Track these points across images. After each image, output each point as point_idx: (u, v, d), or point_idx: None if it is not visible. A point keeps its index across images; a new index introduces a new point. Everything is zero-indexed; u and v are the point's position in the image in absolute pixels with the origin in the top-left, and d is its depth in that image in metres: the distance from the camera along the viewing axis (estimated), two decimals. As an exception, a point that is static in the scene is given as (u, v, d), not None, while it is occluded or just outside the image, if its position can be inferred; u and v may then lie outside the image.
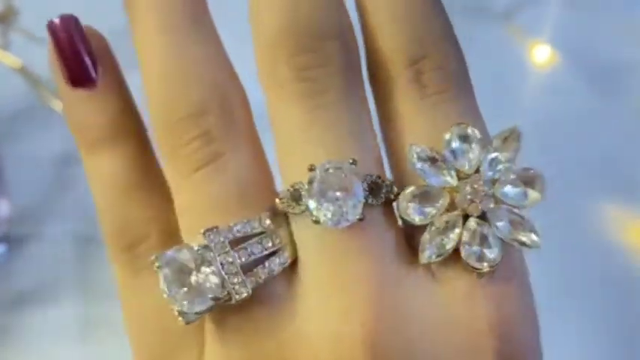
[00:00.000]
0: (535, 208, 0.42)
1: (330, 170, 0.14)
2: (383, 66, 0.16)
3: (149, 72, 0.16)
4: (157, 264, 0.15)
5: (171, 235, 0.17)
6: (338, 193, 0.14)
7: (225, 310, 0.15)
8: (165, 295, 0.15)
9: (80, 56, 0.18)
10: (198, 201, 0.16)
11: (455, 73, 0.17)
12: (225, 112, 0.16)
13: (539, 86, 0.59)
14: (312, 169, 0.15)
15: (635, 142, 0.55)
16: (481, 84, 0.56)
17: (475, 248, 0.15)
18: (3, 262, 0.34)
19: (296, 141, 0.15)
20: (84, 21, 0.20)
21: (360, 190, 0.15)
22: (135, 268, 0.18)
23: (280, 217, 0.16)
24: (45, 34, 0.45)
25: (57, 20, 0.18)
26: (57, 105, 0.41)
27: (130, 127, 0.18)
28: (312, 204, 0.14)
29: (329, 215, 0.14)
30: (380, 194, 0.15)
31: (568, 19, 0.65)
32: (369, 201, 0.15)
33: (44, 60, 0.43)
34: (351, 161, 0.15)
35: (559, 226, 0.45)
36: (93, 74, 0.18)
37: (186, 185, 0.16)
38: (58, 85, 0.18)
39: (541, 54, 0.60)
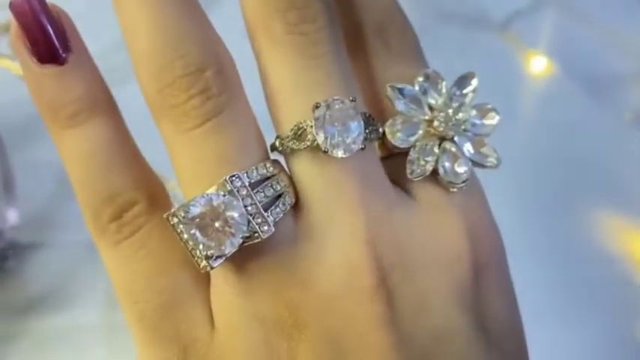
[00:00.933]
0: (528, 213, 0.42)
1: (336, 106, 0.16)
2: (358, 32, 0.19)
3: (138, 35, 0.17)
4: (175, 220, 0.15)
5: (157, 199, 0.18)
6: (344, 125, 0.16)
7: (240, 255, 0.16)
8: (191, 243, 0.15)
9: (48, 32, 0.18)
10: (205, 154, 0.16)
11: (415, 38, 0.20)
12: (222, 70, 0.17)
13: (535, 95, 0.59)
14: (317, 106, 0.16)
15: (630, 151, 0.55)
16: (479, 91, 0.57)
17: (449, 165, 0.17)
18: (12, 270, 0.33)
19: (297, 85, 0.17)
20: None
21: (361, 123, 0.16)
22: (121, 238, 0.18)
23: (277, 163, 0.17)
24: None
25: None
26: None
27: (104, 99, 0.19)
28: (320, 136, 0.16)
29: (336, 145, 0.16)
30: (372, 129, 0.17)
31: (564, 30, 0.66)
32: (367, 133, 0.17)
33: None
34: (351, 98, 0.16)
35: (552, 234, 0.45)
36: (62, 50, 0.18)
37: (189, 141, 0.16)
38: (22, 65, 0.18)
39: (538, 64, 0.60)
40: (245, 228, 0.15)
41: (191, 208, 0.15)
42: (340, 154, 0.16)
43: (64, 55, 0.18)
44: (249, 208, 0.15)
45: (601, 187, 0.50)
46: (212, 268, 0.15)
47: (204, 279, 0.17)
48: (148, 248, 0.17)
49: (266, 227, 0.16)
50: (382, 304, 0.16)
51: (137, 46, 0.17)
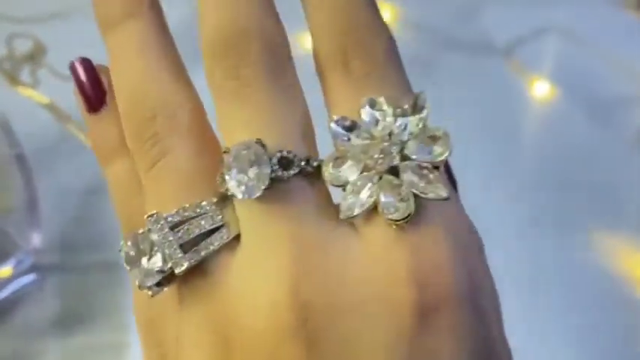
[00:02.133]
0: (533, 237, 0.42)
1: (242, 151, 0.16)
2: (320, 61, 0.18)
3: (119, 95, 0.19)
4: (123, 249, 0.17)
5: None
6: (248, 168, 0.16)
7: (181, 283, 0.17)
8: (128, 274, 0.17)
9: (95, 89, 0.21)
10: (154, 192, 0.18)
11: (379, 56, 0.18)
12: (172, 116, 0.18)
13: (538, 119, 0.59)
14: (226, 151, 0.16)
15: (632, 173, 0.55)
16: (484, 115, 0.57)
17: (389, 200, 0.15)
18: (34, 291, 0.34)
19: (228, 127, 0.17)
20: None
21: (266, 164, 0.16)
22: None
23: (228, 199, 0.17)
24: (69, 71, 0.45)
25: (76, 62, 0.22)
26: (84, 138, 0.42)
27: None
28: (229, 181, 0.16)
29: (242, 188, 0.16)
30: (293, 166, 0.16)
31: (566, 55, 0.66)
32: (280, 173, 0.16)
33: (70, 96, 0.44)
34: (256, 140, 0.16)
35: (554, 255, 0.46)
36: (101, 102, 0.21)
37: (146, 180, 0.18)
38: (82, 114, 0.22)
39: (540, 89, 0.60)
40: (161, 263, 0.16)
41: (128, 240, 0.17)
42: (243, 196, 0.16)
43: (104, 105, 0.21)
44: (165, 244, 0.16)
45: (602, 208, 0.50)
46: (153, 294, 0.17)
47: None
48: None
49: (183, 262, 0.16)
50: (301, 347, 0.15)
51: (117, 95, 0.19)
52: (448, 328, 0.15)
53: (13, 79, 0.44)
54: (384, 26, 0.19)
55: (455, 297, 0.15)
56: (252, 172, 0.16)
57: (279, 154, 0.16)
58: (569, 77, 0.62)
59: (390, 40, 0.18)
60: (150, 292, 0.17)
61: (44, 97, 0.43)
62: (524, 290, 0.42)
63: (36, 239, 0.32)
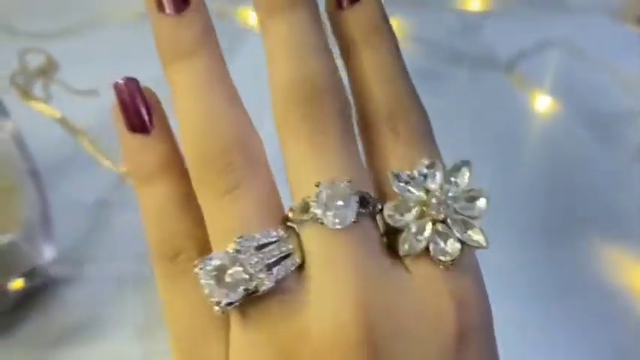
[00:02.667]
0: (534, 247, 0.42)
1: (333, 187, 0.18)
2: (369, 119, 0.20)
3: (187, 126, 0.19)
4: (199, 266, 0.18)
5: (203, 249, 0.19)
6: (338, 202, 0.18)
7: (247, 303, 0.18)
8: (206, 291, 0.17)
9: (139, 110, 0.21)
10: (228, 218, 0.18)
11: (421, 123, 0.21)
12: (246, 148, 0.19)
13: (540, 132, 0.59)
14: (317, 185, 0.18)
15: (632, 186, 0.55)
16: (487, 128, 0.57)
17: (440, 245, 0.18)
18: (46, 302, 0.34)
19: (306, 167, 0.19)
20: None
21: (354, 201, 0.18)
22: (174, 274, 0.20)
23: (290, 229, 0.18)
24: (82, 87, 0.46)
25: (121, 81, 0.21)
26: (95, 152, 0.42)
27: (176, 164, 0.21)
28: (319, 211, 0.18)
29: (331, 218, 0.18)
30: (368, 206, 0.19)
31: (567, 70, 0.66)
32: (361, 210, 0.18)
33: (81, 110, 0.44)
34: (347, 180, 0.18)
35: (555, 267, 0.46)
36: (148, 124, 0.21)
37: (217, 206, 0.19)
38: (119, 131, 0.21)
39: (542, 102, 0.61)
40: (246, 282, 0.17)
41: (208, 262, 0.18)
42: (335, 226, 0.18)
43: (148, 128, 0.21)
44: (253, 264, 0.17)
45: (603, 221, 0.50)
46: (223, 312, 0.17)
47: (226, 320, 0.19)
48: (184, 288, 0.20)
49: (267, 282, 0.17)
50: (364, 346, 0.17)
51: (186, 129, 0.20)
52: (479, 347, 0.19)
53: (26, 94, 0.44)
54: (420, 100, 0.21)
55: (484, 326, 0.19)
56: (340, 204, 0.18)
57: (360, 194, 0.18)
58: (570, 90, 0.62)
59: (426, 113, 0.21)
60: (221, 310, 0.17)
61: (56, 112, 0.43)
62: (523, 301, 0.42)
63: (48, 252, 0.32)
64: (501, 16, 0.71)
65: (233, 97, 0.20)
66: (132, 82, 0.21)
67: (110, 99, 0.46)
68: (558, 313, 0.42)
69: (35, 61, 0.47)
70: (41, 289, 0.34)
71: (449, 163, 0.21)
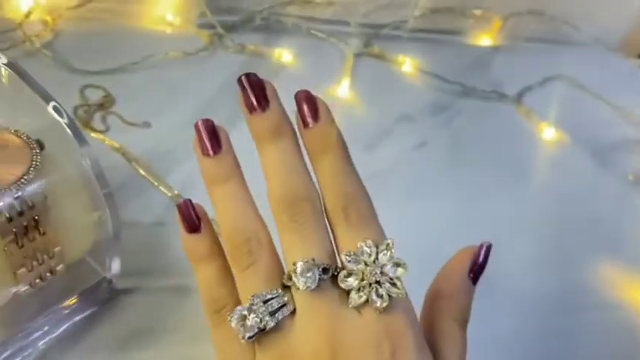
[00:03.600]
0: (542, 269, 0.44)
1: (303, 264, 0.26)
2: (331, 210, 0.28)
3: (224, 226, 0.28)
4: (231, 317, 0.26)
5: (237, 304, 0.27)
6: (307, 274, 0.26)
7: (261, 336, 0.26)
8: (236, 331, 0.26)
9: (193, 220, 0.29)
10: (247, 285, 0.27)
11: (365, 211, 0.27)
12: (257, 238, 0.27)
13: (546, 160, 0.61)
14: (294, 264, 0.26)
15: (633, 210, 0.57)
16: (497, 156, 0.59)
17: (374, 298, 0.26)
18: (112, 310, 0.37)
19: (291, 250, 0.27)
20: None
21: (317, 272, 0.26)
22: (219, 322, 0.28)
23: (287, 287, 0.26)
24: (136, 119, 0.49)
25: (182, 202, 0.29)
26: (150, 178, 0.45)
27: (215, 248, 0.29)
28: (295, 280, 0.26)
29: (302, 284, 0.25)
30: (328, 273, 0.26)
31: (570, 103, 0.69)
32: (322, 276, 0.26)
33: (135, 139, 0.47)
34: (312, 259, 0.26)
35: (562, 285, 0.47)
36: (199, 227, 0.29)
37: (241, 276, 0.27)
38: (181, 233, 0.29)
39: (548, 133, 0.63)
40: (258, 324, 0.26)
41: (236, 313, 0.26)
42: (306, 289, 0.26)
43: (199, 230, 0.29)
44: (262, 313, 0.26)
45: (606, 243, 0.52)
46: (247, 342, 0.26)
47: (252, 348, 0.27)
48: (225, 330, 0.28)
49: (271, 323, 0.26)
50: None
51: (222, 224, 0.28)
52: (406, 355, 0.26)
53: (87, 125, 0.48)
54: (365, 190, 0.28)
55: (412, 345, 0.26)
56: (309, 275, 0.26)
57: (322, 266, 0.26)
58: (573, 121, 0.64)
59: (370, 200, 0.28)
60: (245, 342, 0.26)
61: (114, 142, 0.47)
62: (532, 315, 0.45)
63: (115, 266, 0.36)
64: (509, 51, 0.74)
65: (248, 204, 0.28)
66: (187, 202, 0.29)
67: (159, 130, 0.50)
68: (568, 326, 0.44)
69: (94, 95, 0.51)
70: (108, 299, 0.37)
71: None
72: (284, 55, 0.60)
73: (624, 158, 0.63)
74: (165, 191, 0.44)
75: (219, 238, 0.29)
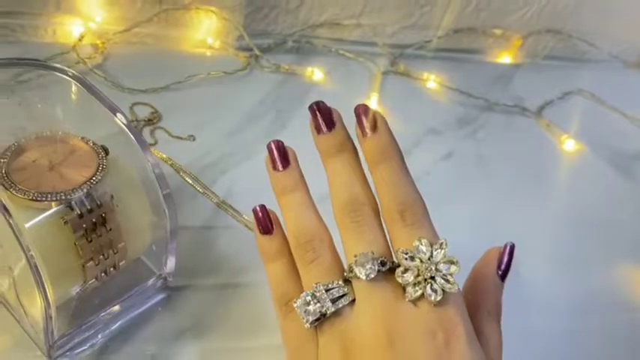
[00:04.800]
0: (564, 271, 0.45)
1: (365, 256, 0.28)
2: (389, 212, 0.30)
3: (290, 227, 0.31)
4: (296, 303, 0.29)
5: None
6: (367, 265, 0.28)
7: (323, 321, 0.28)
8: (300, 316, 0.29)
9: (267, 224, 0.33)
10: (311, 276, 0.29)
11: (420, 214, 0.30)
12: (320, 238, 0.30)
13: (567, 170, 0.62)
14: (355, 256, 0.28)
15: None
16: (519, 167, 0.61)
17: (429, 292, 0.28)
18: (166, 306, 0.39)
19: (352, 246, 0.29)
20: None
21: (376, 264, 0.28)
22: (287, 312, 0.31)
23: (347, 280, 0.29)
24: (180, 133, 0.51)
25: (257, 207, 0.33)
26: (196, 186, 0.48)
27: (284, 248, 0.32)
28: (356, 270, 0.28)
29: (363, 274, 0.28)
30: (387, 266, 0.28)
31: (589, 115, 0.70)
32: (381, 268, 0.28)
33: (181, 151, 0.50)
34: (372, 252, 0.28)
35: (583, 286, 0.48)
36: (271, 228, 0.32)
37: (306, 269, 0.30)
38: (256, 234, 0.33)
39: (568, 144, 0.64)
40: (320, 309, 0.28)
41: (300, 300, 0.29)
42: (365, 278, 0.28)
43: (271, 232, 0.32)
44: (323, 300, 0.28)
45: (625, 246, 0.53)
46: (310, 327, 0.29)
47: (315, 333, 0.29)
48: (291, 319, 0.31)
49: (331, 309, 0.28)
50: (389, 355, 0.27)
51: (288, 224, 0.32)
52: (460, 349, 0.27)
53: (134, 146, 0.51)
54: (419, 194, 0.31)
55: (463, 336, 0.27)
56: (368, 266, 0.28)
57: (380, 259, 0.28)
58: (592, 133, 0.66)
59: (424, 203, 0.30)
60: (309, 326, 0.28)
61: (162, 153, 0.49)
62: (555, 314, 0.45)
63: (171, 263, 0.38)
64: (529, 69, 0.75)
65: (312, 210, 0.32)
66: (262, 207, 0.33)
67: (203, 143, 0.52)
68: (588, 325, 0.44)
69: (143, 112, 0.54)
70: (162, 295, 0.39)
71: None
72: (316, 73, 0.63)
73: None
74: (211, 197, 0.47)
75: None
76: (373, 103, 0.60)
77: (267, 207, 0.33)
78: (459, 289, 0.28)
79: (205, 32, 0.63)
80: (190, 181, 0.47)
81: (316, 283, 0.29)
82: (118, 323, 0.37)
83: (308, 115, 0.32)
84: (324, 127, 0.32)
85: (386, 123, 0.31)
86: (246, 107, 0.57)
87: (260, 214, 0.33)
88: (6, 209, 0.29)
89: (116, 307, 0.36)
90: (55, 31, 0.60)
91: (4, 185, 0.30)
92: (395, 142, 0.31)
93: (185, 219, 0.44)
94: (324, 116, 0.32)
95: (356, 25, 0.68)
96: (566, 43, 0.76)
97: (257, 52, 0.63)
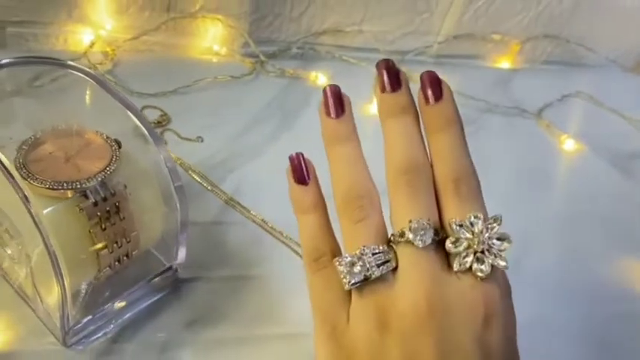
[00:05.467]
0: (567, 264, 0.46)
1: (420, 221, 0.27)
2: (442, 181, 0.28)
3: (338, 181, 0.29)
4: (339, 261, 0.27)
5: (334, 254, 0.29)
6: (422, 232, 0.27)
7: (363, 285, 0.27)
8: (342, 275, 0.27)
9: (302, 171, 0.31)
10: (358, 236, 0.28)
11: (474, 187, 0.28)
12: (370, 197, 0.28)
13: (567, 169, 0.63)
14: (411, 221, 0.27)
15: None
16: (521, 166, 0.61)
17: (478, 266, 0.27)
18: (176, 296, 0.39)
19: (404, 210, 0.28)
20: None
21: (431, 232, 0.27)
22: (317, 269, 0.29)
23: (390, 246, 0.28)
24: (189, 134, 0.52)
25: (294, 155, 0.31)
26: (205, 184, 0.49)
27: (319, 201, 0.30)
28: (410, 236, 0.27)
29: (418, 241, 0.27)
30: (439, 235, 0.27)
31: (588, 116, 0.71)
32: (435, 237, 0.27)
33: (190, 152, 0.51)
34: (427, 219, 0.27)
35: (585, 279, 0.49)
36: (307, 179, 0.30)
37: (352, 228, 0.28)
38: (289, 182, 0.31)
39: (567, 144, 0.65)
40: (364, 272, 0.27)
41: (345, 258, 0.27)
42: (419, 245, 0.27)
43: (307, 181, 0.30)
44: (369, 263, 0.27)
45: (623, 240, 0.54)
46: (350, 288, 0.27)
47: (348, 296, 0.28)
48: (321, 276, 0.29)
49: (376, 272, 0.27)
50: (428, 328, 0.26)
51: (336, 181, 0.29)
52: (498, 329, 0.26)
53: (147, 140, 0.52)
54: (475, 168, 0.29)
55: (503, 316, 0.27)
56: (422, 233, 0.27)
57: (434, 228, 0.27)
58: (591, 133, 0.67)
59: (478, 179, 0.29)
60: (349, 287, 0.27)
61: (172, 154, 0.51)
62: (559, 306, 0.46)
63: (181, 254, 0.38)
64: (528, 73, 0.77)
65: (364, 166, 0.30)
66: (299, 155, 0.31)
67: (211, 144, 0.53)
68: (589, 315, 0.45)
69: (152, 115, 0.55)
70: (173, 286, 0.40)
71: (488, 202, 0.29)
72: (320, 77, 0.64)
73: (639, 164, 0.65)
74: (220, 194, 0.48)
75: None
76: (375, 105, 0.61)
77: (307, 156, 0.31)
78: (506, 266, 0.27)
79: (212, 40, 0.64)
80: (199, 179, 0.48)
81: (364, 246, 0.27)
82: (130, 313, 0.38)
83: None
84: (388, 87, 0.30)
85: (452, 93, 0.30)
86: (252, 110, 0.58)
87: (296, 161, 0.31)
88: (26, 197, 0.30)
89: (127, 298, 0.37)
90: (66, 39, 0.61)
91: (22, 175, 0.31)
92: (458, 113, 0.30)
93: (194, 215, 0.44)
94: (390, 75, 0.30)
95: (358, 32, 0.70)
96: (563, 48, 0.78)
97: (262, 58, 0.64)
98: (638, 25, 0.80)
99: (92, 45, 0.59)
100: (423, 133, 0.30)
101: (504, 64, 0.77)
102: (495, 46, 0.75)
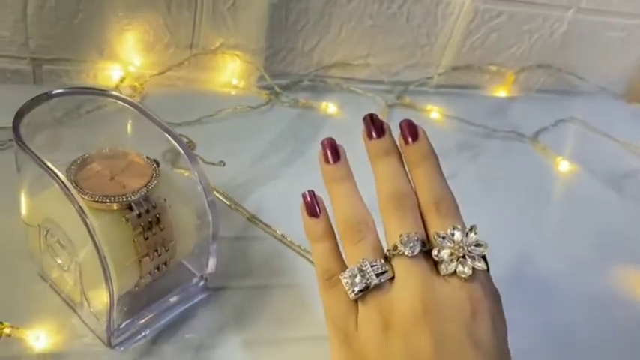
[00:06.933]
0: (561, 273, 0.49)
1: (410, 235, 0.31)
2: (425, 205, 0.33)
3: (339, 212, 0.34)
4: (343, 275, 0.32)
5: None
6: (411, 244, 0.31)
7: (366, 293, 0.31)
8: (347, 286, 0.31)
9: (314, 207, 0.35)
10: (358, 253, 0.32)
11: (452, 207, 0.33)
12: (366, 222, 0.33)
13: (562, 190, 0.66)
14: (401, 235, 0.31)
15: (638, 225, 0.63)
16: (517, 188, 0.65)
17: (461, 269, 0.31)
18: (207, 304, 0.42)
19: (395, 229, 0.32)
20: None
21: (419, 244, 0.31)
22: (329, 286, 0.33)
23: (387, 259, 0.32)
24: (212, 159, 0.55)
25: (306, 193, 0.35)
26: (227, 202, 0.52)
27: (329, 230, 0.35)
28: (402, 247, 0.31)
29: (408, 251, 0.31)
30: (425, 246, 0.31)
31: (582, 140, 0.75)
32: (422, 248, 0.31)
33: (214, 176, 0.54)
34: (415, 233, 0.31)
35: (585, 286, 0.51)
36: (318, 213, 0.35)
37: (352, 248, 0.33)
38: (302, 216, 0.35)
39: (562, 166, 0.68)
40: (365, 282, 0.31)
41: (348, 272, 0.32)
42: (410, 254, 0.31)
43: (318, 215, 0.35)
44: (368, 273, 0.31)
45: (618, 250, 0.57)
46: (354, 296, 0.31)
47: (355, 306, 0.32)
48: (333, 293, 0.33)
49: (375, 281, 0.31)
50: (424, 324, 0.30)
51: (337, 210, 0.34)
52: (486, 322, 0.30)
53: (174, 165, 0.56)
54: (451, 192, 0.34)
55: (489, 310, 0.30)
56: (411, 245, 0.31)
57: (421, 240, 0.31)
58: (585, 156, 0.70)
59: (454, 199, 0.33)
60: (354, 296, 0.31)
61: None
62: (563, 309, 0.48)
63: (211, 265, 0.41)
64: (523, 101, 0.80)
65: (359, 198, 0.35)
66: (311, 192, 0.35)
67: (233, 168, 0.56)
68: (593, 319, 0.48)
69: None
70: (203, 295, 0.43)
71: (475, 218, 0.33)
72: (330, 107, 0.68)
73: (631, 186, 0.68)
74: (242, 212, 0.51)
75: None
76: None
77: (317, 194, 0.36)
78: (486, 268, 0.31)
79: (231, 74, 0.68)
80: (222, 199, 0.52)
81: (363, 259, 0.32)
82: (166, 318, 0.40)
83: (361, 127, 0.36)
84: (375, 134, 0.35)
85: (426, 134, 0.35)
86: (269, 137, 0.62)
87: (308, 198, 0.35)
88: (81, 209, 0.33)
89: (164, 304, 0.40)
90: (95, 75, 0.65)
91: (76, 190, 0.35)
92: (433, 149, 0.35)
93: (220, 231, 0.48)
94: (376, 125, 0.36)
95: (364, 65, 0.74)
96: (556, 77, 0.82)
97: (277, 89, 0.68)
98: (625, 54, 0.84)
99: (122, 80, 0.63)
100: (407, 169, 0.35)
101: (501, 92, 0.81)
102: (492, 76, 0.79)
